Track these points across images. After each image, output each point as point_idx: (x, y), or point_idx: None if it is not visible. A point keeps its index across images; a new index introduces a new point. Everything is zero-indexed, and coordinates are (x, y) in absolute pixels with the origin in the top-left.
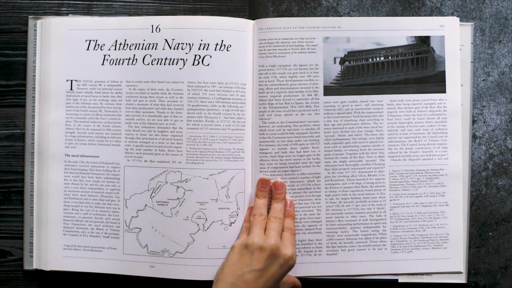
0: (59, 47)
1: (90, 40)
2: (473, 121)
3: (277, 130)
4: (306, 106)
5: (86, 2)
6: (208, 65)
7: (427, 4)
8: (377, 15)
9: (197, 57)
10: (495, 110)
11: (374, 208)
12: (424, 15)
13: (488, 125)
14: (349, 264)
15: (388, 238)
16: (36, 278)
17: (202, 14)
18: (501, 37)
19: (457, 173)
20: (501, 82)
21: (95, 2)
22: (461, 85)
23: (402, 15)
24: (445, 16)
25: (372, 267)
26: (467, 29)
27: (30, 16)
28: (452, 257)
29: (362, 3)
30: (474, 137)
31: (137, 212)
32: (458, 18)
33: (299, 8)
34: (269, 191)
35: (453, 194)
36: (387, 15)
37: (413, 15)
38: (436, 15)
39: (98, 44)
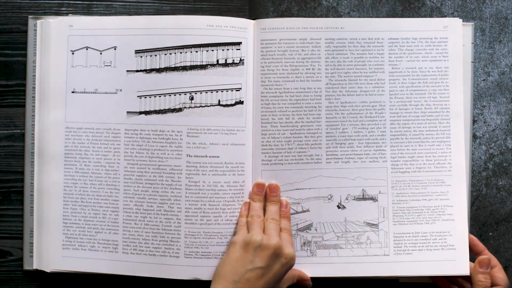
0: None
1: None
2: (473, 121)
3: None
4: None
5: (86, 2)
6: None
7: (427, 4)
8: (377, 15)
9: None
10: (495, 110)
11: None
12: (424, 15)
13: (488, 125)
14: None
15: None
16: (36, 278)
17: (202, 14)
18: (501, 37)
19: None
20: (501, 82)
21: (95, 2)
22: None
23: (402, 15)
24: (445, 16)
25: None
26: (468, 29)
27: (30, 16)
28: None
29: (362, 3)
30: (474, 137)
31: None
32: (460, 20)
33: (299, 8)
34: (264, 194)
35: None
36: (387, 15)
37: (413, 15)
38: (436, 15)
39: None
